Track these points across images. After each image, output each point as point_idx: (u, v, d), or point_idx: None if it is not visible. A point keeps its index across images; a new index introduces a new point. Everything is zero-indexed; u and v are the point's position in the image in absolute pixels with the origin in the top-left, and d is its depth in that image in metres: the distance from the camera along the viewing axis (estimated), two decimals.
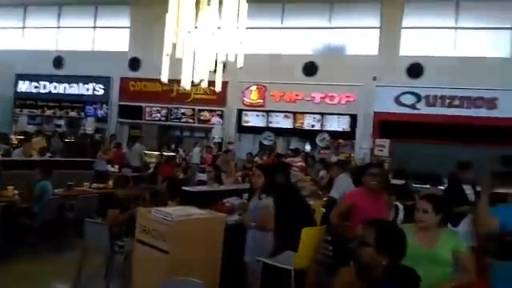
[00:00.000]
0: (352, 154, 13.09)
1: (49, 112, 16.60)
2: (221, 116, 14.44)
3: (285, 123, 13.89)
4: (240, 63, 8.56)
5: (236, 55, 8.36)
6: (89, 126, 14.89)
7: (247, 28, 9.29)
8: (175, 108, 14.86)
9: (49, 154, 10.66)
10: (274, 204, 4.08)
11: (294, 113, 13.77)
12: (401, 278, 1.82)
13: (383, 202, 4.00)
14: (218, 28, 7.86)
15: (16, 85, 16.89)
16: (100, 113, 15.90)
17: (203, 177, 6.01)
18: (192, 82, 8.07)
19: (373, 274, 1.80)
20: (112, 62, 15.10)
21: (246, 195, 5.12)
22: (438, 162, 9.68)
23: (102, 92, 15.92)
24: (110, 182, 7.19)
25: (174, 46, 7.50)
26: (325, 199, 6.27)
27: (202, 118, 14.66)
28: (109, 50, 15.67)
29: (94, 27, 16.36)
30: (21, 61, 16.06)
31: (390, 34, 13.00)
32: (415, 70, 12.63)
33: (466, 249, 2.77)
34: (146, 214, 3.53)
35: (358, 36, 13.70)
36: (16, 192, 6.09)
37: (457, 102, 12.34)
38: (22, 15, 17.17)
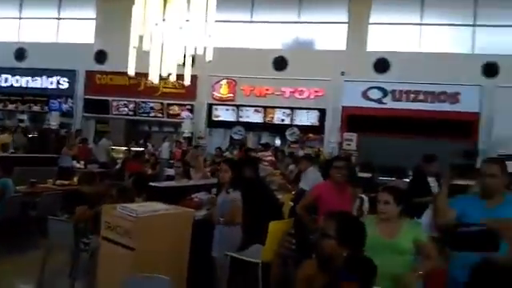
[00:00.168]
0: (321, 148, 13.28)
1: (11, 106, 15.93)
2: (190, 110, 14.30)
3: (255, 118, 13.91)
4: (209, 57, 8.50)
5: (205, 49, 8.30)
6: (53, 120, 14.38)
7: (216, 21, 9.22)
8: (143, 102, 14.59)
9: (11, 150, 10.29)
10: (241, 198, 4.09)
11: (265, 107, 13.81)
12: (361, 268, 1.86)
13: (348, 195, 4.09)
14: (187, 21, 7.78)
15: None
16: (65, 107, 15.40)
17: (171, 172, 5.94)
18: (160, 75, 7.97)
19: (334, 266, 1.83)
20: (77, 55, 14.64)
21: (214, 190, 5.11)
22: (403, 156, 9.96)
23: (66, 85, 15.42)
24: (75, 179, 7.01)
25: (141, 38, 7.38)
26: (293, 193, 6.34)
27: (171, 112, 14.47)
28: (74, 42, 15.19)
29: (58, 18, 15.81)
30: None
31: (357, 29, 13.22)
32: (382, 65, 12.92)
33: (426, 238, 2.87)
34: (110, 210, 3.47)
35: (326, 31, 13.86)
36: None
37: (421, 97, 12.70)
38: None
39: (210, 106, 14.26)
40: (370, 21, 13.23)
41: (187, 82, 8.80)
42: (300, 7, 13.84)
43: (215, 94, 14.17)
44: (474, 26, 12.80)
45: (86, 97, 15.16)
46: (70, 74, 15.27)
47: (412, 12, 13.07)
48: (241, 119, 13.99)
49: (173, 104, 14.39)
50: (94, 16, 15.29)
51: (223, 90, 14.14)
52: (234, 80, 13.97)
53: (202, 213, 4.47)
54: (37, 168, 7.58)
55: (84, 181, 5.23)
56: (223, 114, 14.19)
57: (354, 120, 12.80)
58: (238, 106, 14.01)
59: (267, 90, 13.75)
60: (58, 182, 7.20)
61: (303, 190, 5.77)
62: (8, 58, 15.50)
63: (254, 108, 13.87)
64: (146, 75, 8.09)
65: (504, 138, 11.11)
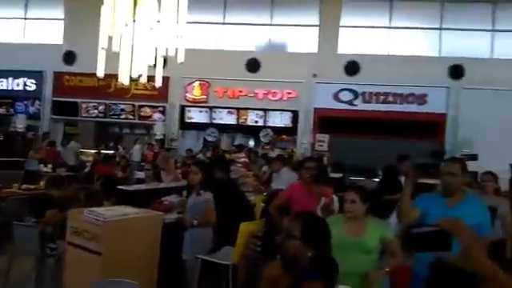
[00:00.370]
0: (294, 149, 13.39)
1: None
2: (163, 112, 14.15)
3: (228, 119, 13.90)
4: (181, 58, 8.44)
5: (176, 50, 8.24)
6: (19, 123, 13.93)
7: (188, 23, 9.16)
8: (114, 104, 14.33)
9: None
10: (213, 199, 4.09)
11: (238, 109, 13.82)
12: (325, 267, 1.89)
13: (315, 195, 4.14)
14: (157, 22, 7.71)
15: None
16: (32, 109, 14.94)
17: (141, 175, 5.86)
18: (130, 76, 7.86)
19: (299, 266, 1.85)
20: (45, 56, 14.22)
21: (185, 192, 5.07)
22: (373, 156, 10.16)
23: (33, 87, 14.98)
24: (42, 183, 6.82)
25: (111, 39, 7.26)
26: (265, 194, 6.36)
27: (142, 114, 14.27)
28: (41, 42, 14.77)
29: (25, 18, 15.34)
30: None
31: (328, 32, 13.41)
32: (352, 67, 13.15)
33: (392, 236, 2.95)
34: (77, 215, 3.41)
35: (298, 33, 14.00)
36: None
37: (390, 99, 13.01)
38: None
39: (182, 108, 14.15)
40: (341, 24, 13.44)
41: (158, 83, 8.72)
42: (272, 9, 13.93)
43: (188, 95, 14.07)
44: (440, 29, 13.21)
45: (54, 99, 14.77)
46: (38, 76, 14.84)
47: (381, 15, 13.37)
48: (214, 121, 13.95)
49: (144, 106, 14.20)
50: (62, 16, 14.92)
51: (196, 92, 14.06)
52: (206, 82, 13.92)
53: (173, 216, 4.43)
54: (2, 172, 7.35)
55: (52, 185, 5.13)
56: (196, 116, 14.11)
57: (325, 121, 12.97)
58: (211, 108, 13.96)
59: (240, 91, 13.77)
60: (24, 186, 6.96)
61: (276, 190, 5.80)
62: None
63: (227, 110, 13.86)
64: (116, 76, 7.97)
65: (469, 139, 11.53)
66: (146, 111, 14.23)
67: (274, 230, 3.80)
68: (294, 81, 13.20)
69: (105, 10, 6.85)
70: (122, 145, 13.73)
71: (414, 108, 12.79)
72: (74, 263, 3.39)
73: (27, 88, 15.02)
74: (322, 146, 12.66)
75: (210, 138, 13.81)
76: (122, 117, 14.42)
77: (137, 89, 13.48)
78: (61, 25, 14.90)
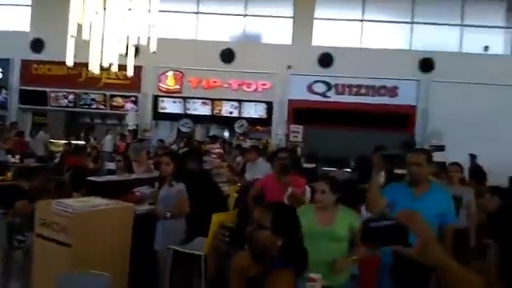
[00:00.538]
0: (269, 140, 13.46)
1: None
2: (135, 102, 13.91)
3: (203, 110, 13.80)
4: (153, 47, 8.31)
5: (149, 39, 8.10)
6: None
7: (161, 11, 9.00)
8: (84, 93, 13.97)
9: None
10: (186, 190, 4.08)
11: (212, 100, 13.74)
12: (294, 255, 1.92)
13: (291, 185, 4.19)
14: (129, 10, 7.55)
15: None
16: None
17: (112, 166, 5.77)
18: (101, 65, 7.69)
19: (269, 256, 1.88)
20: (12, 43, 13.66)
21: (158, 184, 5.03)
22: (346, 147, 10.35)
23: (0, 76, 14.42)
24: (9, 174, 6.64)
25: (81, 27, 7.07)
26: (239, 185, 6.38)
27: (114, 104, 13.98)
28: (8, 29, 14.17)
29: None
30: None
31: (302, 24, 13.46)
32: (326, 59, 13.26)
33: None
34: (45, 206, 3.33)
35: (273, 25, 13.98)
36: None
37: (363, 91, 13.23)
38: None
39: (155, 98, 13.95)
40: (315, 16, 13.50)
41: (130, 72, 8.57)
42: (247, 0, 13.85)
43: (161, 85, 13.88)
44: (411, 23, 13.47)
45: (22, 87, 14.27)
46: (4, 64, 14.28)
47: (354, 8, 13.51)
48: (188, 111, 13.82)
49: (116, 95, 13.91)
50: (30, 2, 14.38)
51: (170, 82, 13.88)
52: (180, 72, 13.76)
53: (145, 207, 4.39)
54: None
55: (20, 176, 5.02)
56: (170, 107, 13.94)
57: (300, 113, 13.07)
58: (184, 98, 13.82)
59: (215, 82, 13.68)
60: None
61: (250, 181, 5.82)
62: None
63: (201, 100, 13.75)
64: (86, 65, 7.77)
65: (438, 130, 11.88)
66: (118, 101, 13.95)
67: (246, 221, 3.83)
68: (269, 72, 13.21)
69: None
70: (93, 135, 13.45)
71: (385, 100, 13.05)
72: (43, 256, 3.32)
73: None
74: (296, 136, 12.76)
75: (184, 129, 13.68)
76: (92, 106, 14.09)
77: (108, 78, 13.17)
78: (28, 11, 14.36)
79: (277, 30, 13.91)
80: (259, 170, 6.08)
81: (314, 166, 8.42)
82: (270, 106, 13.57)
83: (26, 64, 14.22)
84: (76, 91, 13.93)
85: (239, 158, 8.99)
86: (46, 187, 4.95)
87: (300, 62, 13.08)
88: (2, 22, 14.47)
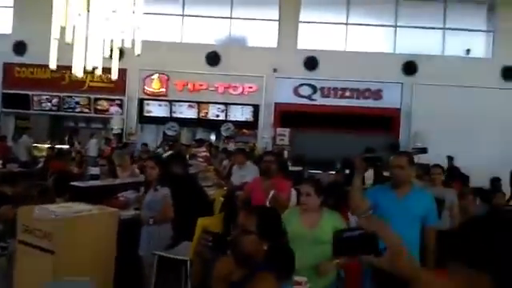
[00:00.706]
0: (255, 143, 13.47)
1: None
2: (120, 105, 13.79)
3: (189, 113, 13.73)
4: (138, 50, 8.25)
5: (133, 41, 8.04)
6: None
7: (146, 14, 8.93)
8: (68, 97, 13.78)
9: None
10: (171, 194, 4.06)
11: (198, 103, 13.69)
12: (279, 258, 1.92)
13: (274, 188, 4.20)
14: (113, 12, 7.48)
15: None
16: None
17: (96, 171, 5.70)
18: (85, 68, 7.59)
19: (253, 261, 1.87)
20: None
21: (143, 188, 4.99)
22: (332, 149, 10.44)
23: None
24: None
25: (64, 29, 6.98)
26: (225, 189, 6.37)
27: (99, 107, 13.83)
28: None
29: None
30: None
31: (288, 27, 13.52)
32: (311, 62, 13.34)
33: (345, 227, 3.06)
34: (28, 212, 3.29)
35: (259, 28, 14.02)
36: None
37: (348, 94, 13.34)
38: None
39: (141, 101, 13.84)
40: (300, 19, 13.59)
41: (114, 75, 8.49)
42: (232, 3, 13.86)
43: (146, 88, 13.78)
44: (395, 26, 13.65)
45: (4, 91, 14.01)
46: None
47: (339, 12, 13.63)
48: (174, 115, 13.74)
49: (101, 99, 13.75)
50: (12, 4, 14.15)
51: (155, 85, 13.79)
52: (166, 74, 13.69)
53: (130, 212, 4.36)
54: None
55: (4, 181, 4.94)
56: (155, 110, 13.85)
57: (286, 116, 13.12)
58: (170, 102, 13.75)
59: (201, 85, 13.64)
60: None
61: (236, 186, 5.82)
62: None
63: (187, 103, 13.70)
64: (70, 68, 7.67)
65: (421, 132, 12.05)
66: (103, 104, 13.80)
67: (231, 225, 3.83)
68: (255, 75, 13.24)
69: None
70: (77, 139, 13.29)
71: (370, 103, 13.19)
72: (26, 262, 3.28)
73: None
74: (282, 140, 12.83)
75: (169, 132, 13.60)
76: (77, 110, 13.91)
77: (92, 81, 13.03)
78: (10, 13, 14.13)
79: (262, 33, 13.93)
80: (248, 173, 6.08)
81: (300, 168, 8.51)
82: (256, 109, 13.58)
83: (8, 67, 13.98)
84: (60, 94, 13.74)
85: (225, 162, 8.97)
86: (29, 193, 4.87)
87: (286, 65, 13.14)
88: None
